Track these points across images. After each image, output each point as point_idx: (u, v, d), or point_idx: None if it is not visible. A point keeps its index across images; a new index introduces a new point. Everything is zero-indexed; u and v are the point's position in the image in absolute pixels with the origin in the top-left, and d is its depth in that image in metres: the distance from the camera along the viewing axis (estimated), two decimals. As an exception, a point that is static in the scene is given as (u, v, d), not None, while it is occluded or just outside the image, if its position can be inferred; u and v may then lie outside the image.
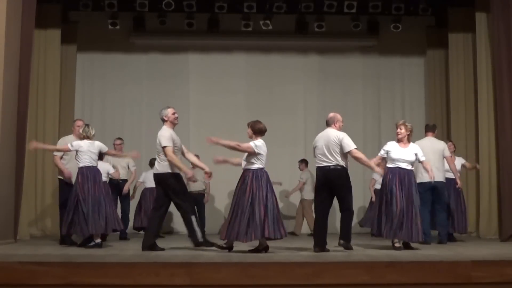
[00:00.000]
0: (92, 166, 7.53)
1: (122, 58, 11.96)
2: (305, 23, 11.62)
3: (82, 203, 7.32)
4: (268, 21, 11.35)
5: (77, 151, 7.53)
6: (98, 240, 7.45)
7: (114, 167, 9.15)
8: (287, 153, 11.70)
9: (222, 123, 11.52)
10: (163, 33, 11.69)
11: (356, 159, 7.04)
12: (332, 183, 6.93)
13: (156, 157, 7.10)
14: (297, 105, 12.24)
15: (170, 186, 6.97)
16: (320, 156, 7.06)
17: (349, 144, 7.00)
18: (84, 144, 7.53)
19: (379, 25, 11.81)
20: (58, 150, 8.03)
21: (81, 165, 7.50)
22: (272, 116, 11.98)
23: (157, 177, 7.06)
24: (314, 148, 7.22)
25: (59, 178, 8.28)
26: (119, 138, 9.93)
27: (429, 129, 9.03)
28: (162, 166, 6.99)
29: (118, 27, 11.38)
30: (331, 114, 7.36)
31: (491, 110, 9.84)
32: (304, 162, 11.29)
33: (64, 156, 8.14)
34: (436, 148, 8.61)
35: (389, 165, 7.40)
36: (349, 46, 12.25)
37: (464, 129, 10.71)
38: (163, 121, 7.16)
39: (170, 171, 6.95)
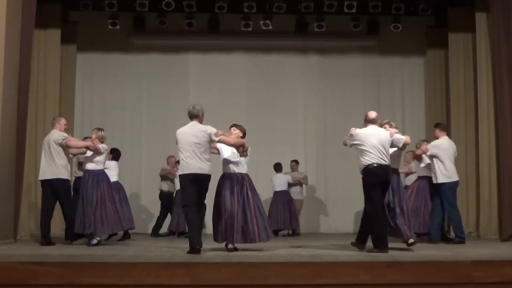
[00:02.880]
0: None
1: (122, 58, 11.95)
2: (305, 23, 11.61)
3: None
4: (268, 21, 11.34)
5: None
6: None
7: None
8: (287, 152, 11.71)
9: (222, 123, 11.47)
10: (163, 33, 11.68)
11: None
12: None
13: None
14: (297, 105, 12.23)
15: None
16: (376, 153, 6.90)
17: (401, 138, 7.26)
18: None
19: (379, 25, 11.81)
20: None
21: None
22: (272, 116, 12.04)
23: None
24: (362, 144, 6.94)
25: None
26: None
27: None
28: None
29: (118, 27, 11.37)
30: (375, 114, 7.14)
31: (491, 110, 9.84)
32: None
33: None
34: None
35: None
36: (349, 46, 12.24)
37: (464, 129, 10.69)
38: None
39: None
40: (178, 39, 11.93)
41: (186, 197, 6.74)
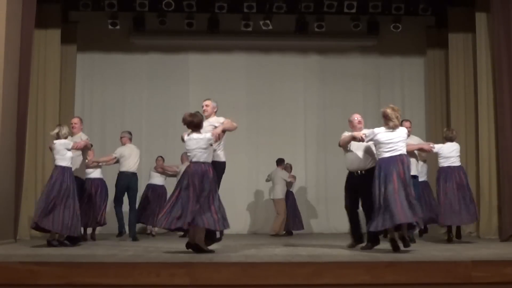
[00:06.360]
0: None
1: (122, 58, 11.97)
2: (305, 23, 11.62)
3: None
4: (268, 21, 11.34)
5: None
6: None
7: None
8: (287, 152, 11.71)
9: (222, 123, 11.51)
10: (163, 33, 11.69)
11: None
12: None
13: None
14: (297, 104, 12.24)
15: None
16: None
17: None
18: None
19: (379, 25, 11.81)
20: None
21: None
22: (272, 116, 12.05)
23: None
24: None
25: None
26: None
27: None
28: None
29: (118, 27, 11.38)
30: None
31: (491, 110, 9.84)
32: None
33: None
34: None
35: None
36: (349, 46, 12.25)
37: (464, 129, 10.69)
38: None
39: None
40: (178, 39, 11.93)
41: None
